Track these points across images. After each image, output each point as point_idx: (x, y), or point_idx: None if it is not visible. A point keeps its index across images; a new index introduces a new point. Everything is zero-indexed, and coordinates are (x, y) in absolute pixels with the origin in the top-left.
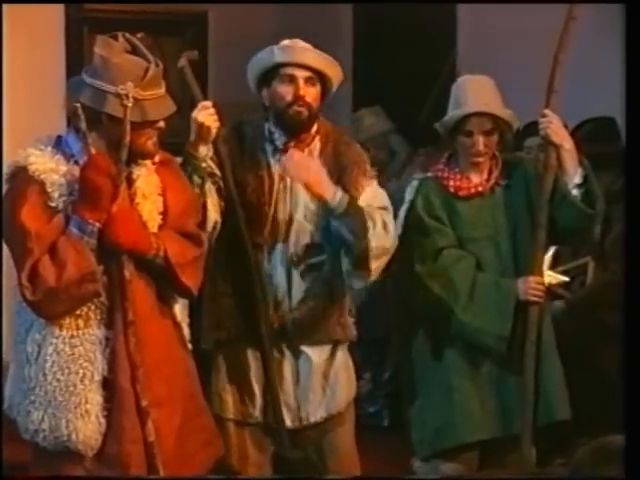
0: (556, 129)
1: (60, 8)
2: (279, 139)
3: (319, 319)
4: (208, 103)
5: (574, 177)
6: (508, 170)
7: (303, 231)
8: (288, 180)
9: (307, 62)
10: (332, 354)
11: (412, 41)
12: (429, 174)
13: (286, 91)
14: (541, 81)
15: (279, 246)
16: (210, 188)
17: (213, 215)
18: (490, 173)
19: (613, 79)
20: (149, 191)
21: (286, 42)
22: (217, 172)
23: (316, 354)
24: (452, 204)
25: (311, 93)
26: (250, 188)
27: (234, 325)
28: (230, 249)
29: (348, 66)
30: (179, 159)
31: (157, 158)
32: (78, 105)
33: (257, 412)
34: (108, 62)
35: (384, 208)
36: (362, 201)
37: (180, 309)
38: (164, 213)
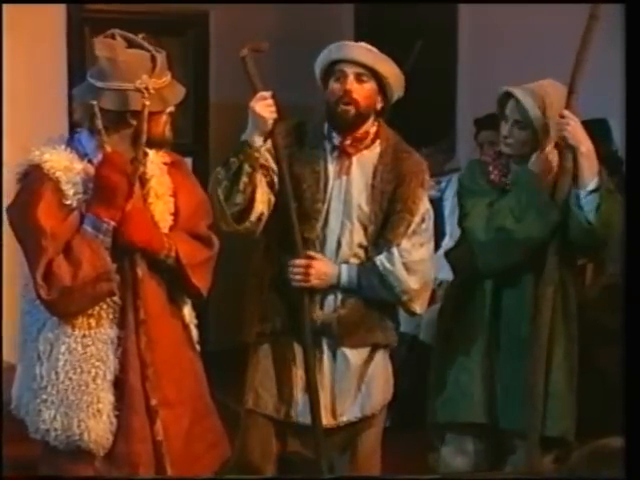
0: (573, 131)
1: (61, 8)
2: (335, 137)
3: (361, 320)
4: (267, 94)
5: (587, 183)
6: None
7: (356, 231)
8: (344, 179)
9: (356, 57)
10: (370, 356)
11: (413, 42)
12: (481, 157)
13: (337, 87)
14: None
15: (329, 244)
16: (261, 180)
17: (260, 206)
18: None
19: (613, 79)
20: (161, 192)
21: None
22: (273, 165)
23: (354, 355)
24: (490, 191)
25: (361, 90)
26: (306, 184)
27: (280, 318)
28: (282, 242)
29: None
30: (187, 160)
31: (169, 159)
32: (95, 103)
33: (294, 410)
34: (115, 62)
35: (421, 245)
36: (402, 249)
37: (189, 310)
38: (175, 214)
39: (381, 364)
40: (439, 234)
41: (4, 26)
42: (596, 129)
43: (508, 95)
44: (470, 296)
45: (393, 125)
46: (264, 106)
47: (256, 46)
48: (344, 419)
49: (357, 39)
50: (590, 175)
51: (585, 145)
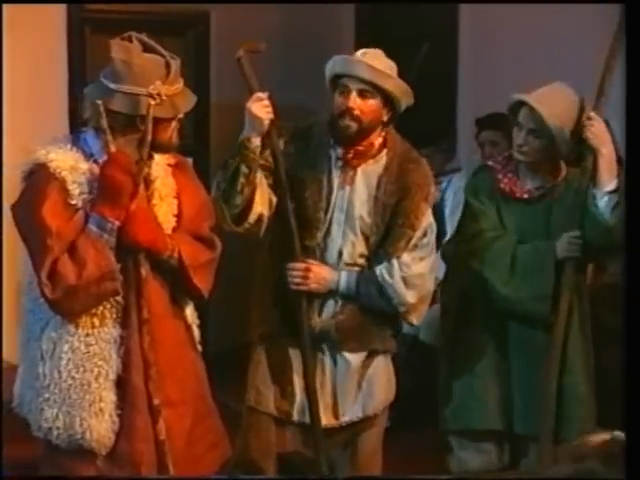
0: (597, 132)
1: (61, 8)
2: (338, 149)
3: (359, 327)
4: (263, 95)
5: (606, 185)
6: (566, 185)
7: (358, 242)
8: (347, 189)
9: (358, 74)
10: (370, 358)
11: (414, 42)
12: (489, 163)
13: (340, 102)
14: (544, 82)
15: (331, 253)
16: (261, 181)
17: (258, 208)
18: (545, 181)
19: (613, 79)
20: (165, 193)
21: (359, 52)
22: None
23: (354, 357)
24: (498, 199)
25: (364, 106)
26: (308, 192)
27: (281, 320)
28: (283, 246)
29: None
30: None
31: (173, 161)
32: (99, 102)
33: (295, 410)
34: (131, 65)
35: (421, 257)
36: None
37: (191, 311)
38: (178, 216)
39: (382, 364)
40: (439, 234)
41: (4, 26)
42: None
43: (520, 102)
44: (472, 297)
45: (395, 125)
46: (260, 107)
47: (252, 46)
48: (346, 419)
49: (358, 39)
50: (608, 177)
51: (606, 148)
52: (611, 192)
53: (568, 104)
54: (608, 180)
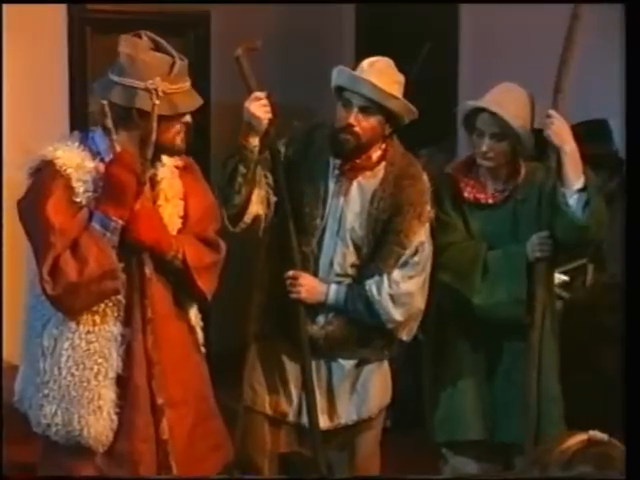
0: (558, 130)
1: (62, 8)
2: (336, 160)
3: (349, 337)
4: (261, 94)
5: (573, 183)
6: (527, 183)
7: (349, 252)
8: (341, 200)
9: (362, 92)
10: (363, 363)
11: (414, 42)
12: (448, 170)
13: (342, 115)
14: (545, 82)
15: (323, 260)
16: (260, 180)
17: (254, 207)
18: (507, 183)
19: (613, 79)
20: (171, 194)
21: (366, 62)
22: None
23: (347, 361)
24: (462, 206)
25: (364, 122)
26: (306, 197)
27: (273, 322)
28: (280, 248)
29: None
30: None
31: (181, 163)
32: (105, 102)
33: (291, 410)
34: (135, 59)
35: (413, 275)
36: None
37: (195, 313)
38: (184, 217)
39: (377, 368)
40: None
41: (4, 26)
42: (596, 129)
43: (476, 110)
44: (446, 309)
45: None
46: (259, 106)
47: (250, 44)
48: (341, 421)
49: (358, 39)
50: (575, 175)
51: (569, 145)
52: (580, 190)
53: (524, 102)
54: (575, 178)
